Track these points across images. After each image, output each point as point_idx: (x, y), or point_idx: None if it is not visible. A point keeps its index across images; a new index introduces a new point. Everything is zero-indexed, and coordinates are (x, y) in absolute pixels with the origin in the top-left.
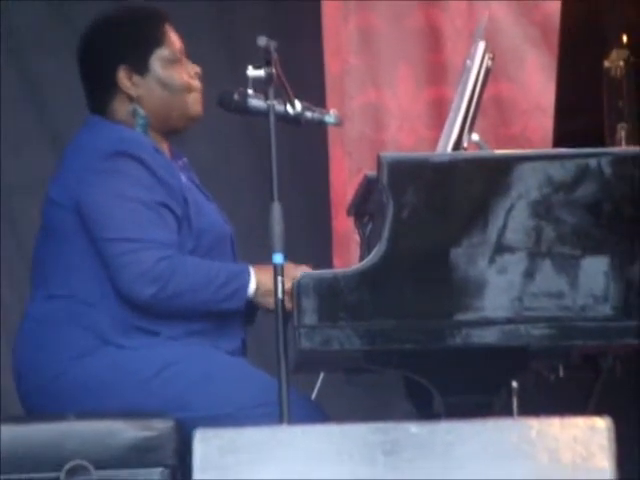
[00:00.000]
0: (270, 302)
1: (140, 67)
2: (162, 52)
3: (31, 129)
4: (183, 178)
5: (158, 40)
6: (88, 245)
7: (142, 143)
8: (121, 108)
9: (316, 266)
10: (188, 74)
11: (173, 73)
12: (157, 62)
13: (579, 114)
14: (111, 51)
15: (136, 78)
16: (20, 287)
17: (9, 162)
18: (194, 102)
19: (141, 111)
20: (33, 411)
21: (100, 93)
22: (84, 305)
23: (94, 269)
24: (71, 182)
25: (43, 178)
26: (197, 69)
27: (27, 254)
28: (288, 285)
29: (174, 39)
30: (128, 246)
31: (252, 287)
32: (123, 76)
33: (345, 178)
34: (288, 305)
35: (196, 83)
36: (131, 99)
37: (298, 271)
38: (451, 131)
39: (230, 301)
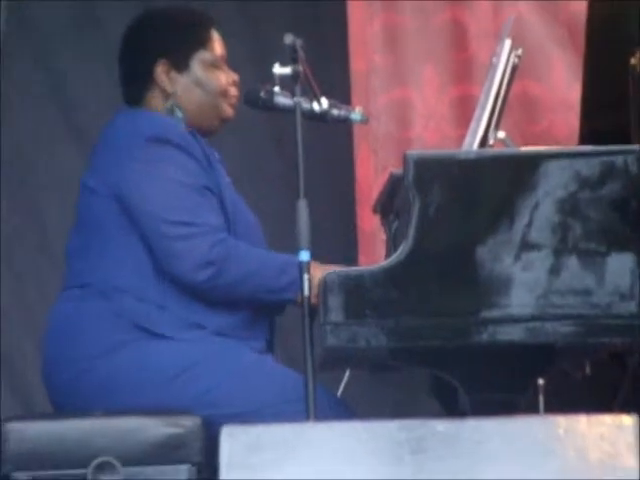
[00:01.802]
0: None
1: (180, 64)
2: (204, 55)
3: (58, 127)
4: (221, 170)
5: (203, 42)
6: (129, 234)
7: (178, 129)
8: (155, 102)
9: (343, 264)
10: (227, 80)
11: (211, 76)
12: (197, 63)
13: (605, 112)
14: (154, 43)
15: (174, 74)
16: (46, 285)
17: (37, 160)
18: (228, 107)
19: (179, 107)
20: (61, 408)
21: (136, 84)
22: (122, 293)
23: (136, 257)
24: (109, 170)
25: (70, 176)
26: (235, 77)
27: (55, 253)
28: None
29: (218, 45)
30: (183, 230)
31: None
32: (161, 70)
33: (371, 176)
34: (314, 301)
35: (232, 90)
36: (166, 94)
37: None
38: (477, 128)
39: (285, 292)
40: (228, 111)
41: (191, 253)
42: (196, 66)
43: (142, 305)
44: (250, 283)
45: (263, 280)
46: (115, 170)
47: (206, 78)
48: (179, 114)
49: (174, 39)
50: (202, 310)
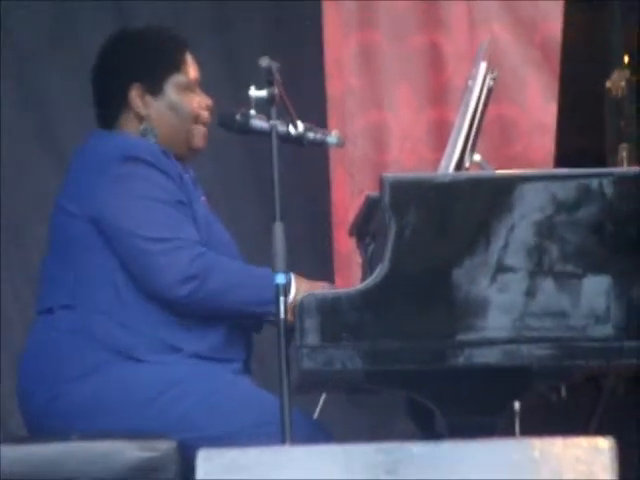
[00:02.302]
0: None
1: (154, 88)
2: (178, 78)
3: (35, 145)
4: (192, 189)
5: (177, 65)
6: (103, 254)
7: (149, 147)
8: (129, 125)
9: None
10: (199, 104)
11: (184, 100)
12: (171, 86)
13: (580, 134)
14: (128, 67)
15: (148, 98)
16: (24, 305)
17: (12, 178)
18: (198, 134)
19: (153, 130)
20: (36, 431)
21: (110, 108)
22: (99, 315)
23: (110, 279)
24: (83, 190)
25: (47, 194)
26: (209, 102)
27: (31, 271)
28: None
29: (192, 68)
30: (163, 246)
31: (291, 296)
32: (135, 94)
33: (347, 199)
34: (290, 318)
35: (205, 115)
36: (140, 118)
37: (315, 287)
38: (453, 151)
39: (268, 306)
40: (198, 140)
41: (172, 268)
42: (170, 90)
43: (118, 328)
44: (232, 296)
45: (246, 293)
46: (90, 191)
47: (179, 102)
48: (152, 138)
49: (148, 63)
50: (178, 333)
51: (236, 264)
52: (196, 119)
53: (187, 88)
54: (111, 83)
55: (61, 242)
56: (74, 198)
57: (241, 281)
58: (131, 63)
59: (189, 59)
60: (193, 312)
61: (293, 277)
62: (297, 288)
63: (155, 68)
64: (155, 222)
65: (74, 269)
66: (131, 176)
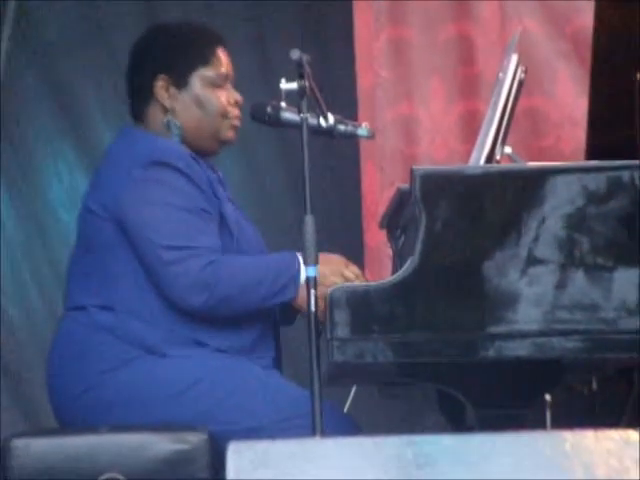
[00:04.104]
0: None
1: (179, 80)
2: (206, 72)
3: (65, 142)
4: (220, 190)
5: (205, 59)
6: (128, 255)
7: (178, 152)
8: (156, 118)
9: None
10: (227, 100)
11: (212, 95)
12: (198, 80)
13: (612, 126)
14: (154, 59)
15: (173, 90)
16: (52, 302)
17: (42, 175)
18: (227, 128)
19: (176, 123)
20: (66, 424)
21: (137, 100)
22: (124, 314)
23: (135, 279)
24: (109, 192)
25: (75, 191)
26: (238, 98)
27: (57, 266)
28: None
29: (222, 64)
30: (175, 255)
31: (303, 275)
32: (160, 85)
33: (377, 191)
34: (321, 304)
35: (233, 111)
36: (165, 110)
37: (345, 269)
38: (484, 144)
39: (283, 294)
40: (228, 134)
41: (182, 277)
42: (196, 84)
43: (144, 325)
44: (248, 295)
45: (261, 288)
46: (115, 193)
47: (205, 97)
48: (176, 130)
49: (174, 55)
50: (206, 329)
51: (247, 261)
52: (224, 115)
53: (215, 83)
54: (139, 75)
55: (88, 241)
56: (101, 199)
57: (253, 280)
58: (158, 55)
59: (220, 54)
60: (214, 317)
61: (299, 256)
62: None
63: (181, 60)
64: (171, 230)
65: (102, 267)
66: (156, 181)
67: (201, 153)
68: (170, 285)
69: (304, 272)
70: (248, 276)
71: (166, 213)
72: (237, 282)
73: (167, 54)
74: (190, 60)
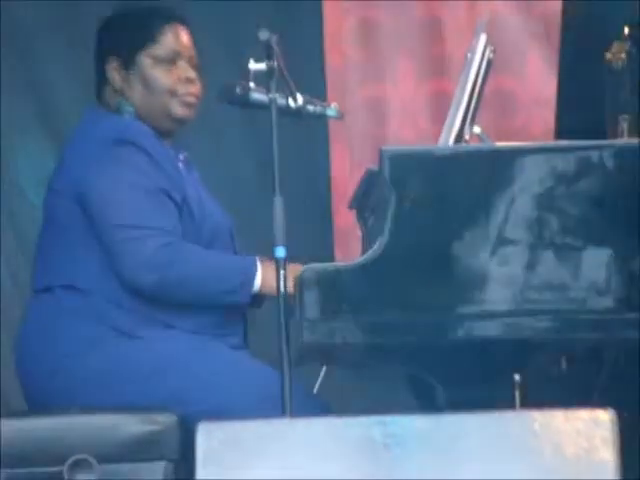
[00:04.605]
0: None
1: (128, 61)
2: (154, 50)
3: (33, 126)
4: (182, 168)
5: (152, 37)
6: (91, 234)
7: (142, 130)
8: (111, 100)
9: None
10: (178, 77)
11: (159, 74)
12: (147, 59)
13: (581, 107)
14: (105, 42)
15: (123, 72)
16: (21, 283)
17: (10, 159)
18: (177, 105)
19: (127, 104)
20: (36, 405)
21: (97, 82)
22: (90, 295)
23: (99, 258)
24: (72, 171)
25: (44, 176)
26: (191, 74)
27: (29, 253)
28: (291, 284)
29: (172, 40)
30: (129, 233)
31: (258, 282)
32: (111, 67)
33: (346, 172)
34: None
35: (184, 88)
36: (118, 92)
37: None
38: (453, 124)
39: (236, 294)
40: (179, 110)
41: (135, 256)
42: (145, 63)
43: (110, 306)
44: (196, 288)
45: (210, 284)
46: (77, 172)
47: (151, 75)
48: (127, 112)
49: (121, 37)
50: (171, 309)
51: (206, 254)
52: (172, 92)
53: (164, 61)
54: (95, 58)
55: (53, 222)
56: (64, 179)
57: (206, 272)
58: (108, 37)
59: (170, 32)
60: (160, 300)
61: (259, 265)
62: (263, 275)
63: (127, 41)
64: (129, 209)
65: (66, 247)
66: (117, 160)
67: (160, 133)
68: (121, 263)
69: (259, 280)
70: (202, 267)
71: (125, 192)
72: (190, 270)
73: (115, 36)
74: (136, 40)
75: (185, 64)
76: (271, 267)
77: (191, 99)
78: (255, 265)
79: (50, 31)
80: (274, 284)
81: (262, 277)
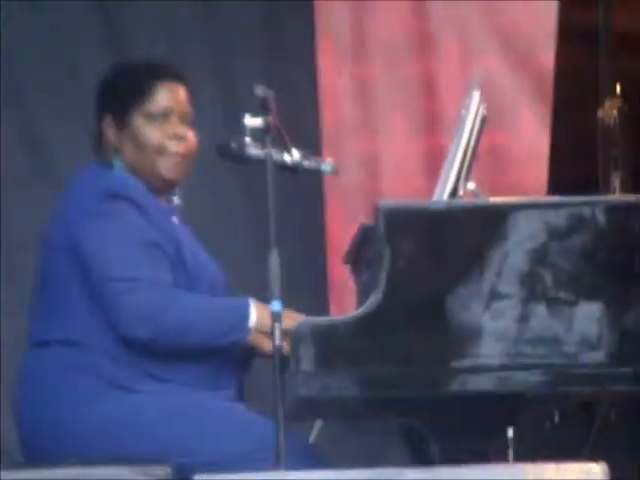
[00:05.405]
0: (266, 343)
1: (122, 119)
2: (146, 108)
3: (32, 176)
4: (175, 220)
5: (143, 95)
6: (84, 287)
7: (132, 184)
8: (106, 155)
9: (313, 314)
10: (166, 135)
11: (149, 131)
12: (139, 117)
13: (573, 163)
14: (101, 100)
15: (117, 129)
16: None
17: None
18: (164, 165)
19: (119, 161)
20: (31, 456)
21: (96, 139)
22: (88, 350)
23: (91, 312)
24: (65, 225)
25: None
26: (180, 131)
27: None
28: (289, 325)
29: (164, 97)
30: (120, 286)
31: (252, 320)
32: (107, 125)
33: (341, 227)
34: (287, 349)
35: (173, 145)
36: (113, 149)
37: (297, 317)
38: (447, 179)
39: (231, 335)
40: (168, 171)
41: (128, 309)
42: (137, 121)
43: (108, 361)
44: (193, 332)
45: (204, 327)
46: (68, 225)
47: (141, 133)
48: (118, 169)
49: (116, 95)
50: (165, 363)
51: (197, 299)
52: (159, 149)
53: (156, 118)
54: (94, 116)
55: (47, 275)
56: (56, 231)
57: (200, 315)
58: (103, 96)
59: (161, 89)
60: (157, 351)
61: (252, 302)
62: (257, 313)
63: (121, 100)
64: (119, 262)
65: (60, 301)
66: (108, 213)
67: (152, 189)
68: (117, 316)
69: (255, 317)
70: (194, 312)
71: (115, 246)
72: (182, 317)
73: (110, 95)
74: (129, 99)
75: (177, 120)
76: (264, 306)
77: (179, 159)
78: (248, 302)
79: (50, 85)
80: (268, 322)
81: (257, 314)
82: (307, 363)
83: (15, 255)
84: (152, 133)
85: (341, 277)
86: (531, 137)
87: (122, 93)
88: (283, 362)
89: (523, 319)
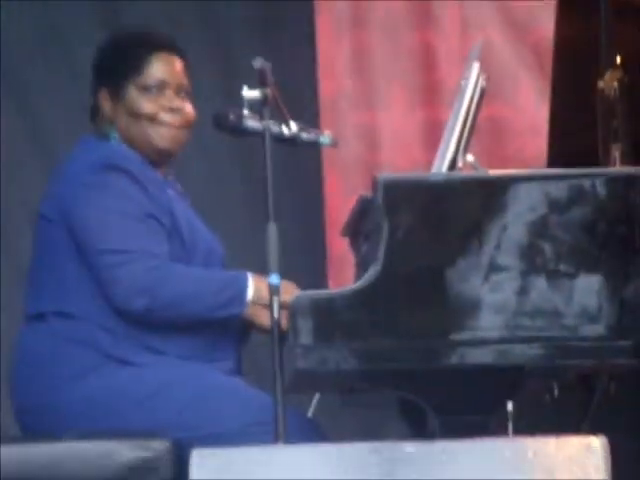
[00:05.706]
0: (264, 316)
1: (117, 92)
2: (141, 80)
3: (27, 151)
4: (171, 192)
5: (137, 68)
6: (80, 260)
7: (128, 155)
8: (102, 127)
9: (312, 287)
10: (161, 106)
11: (143, 102)
12: (134, 89)
13: (573, 135)
14: (97, 72)
15: (113, 101)
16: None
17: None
18: (157, 135)
19: (114, 133)
20: (28, 431)
21: (91, 111)
22: (83, 322)
23: (88, 284)
24: (60, 197)
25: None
26: (176, 104)
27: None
28: (286, 299)
29: (159, 69)
30: (116, 258)
31: (250, 293)
32: (103, 98)
33: (339, 199)
34: (284, 323)
35: (167, 117)
36: (109, 122)
37: (296, 289)
38: (446, 151)
39: (229, 308)
40: (159, 141)
41: (124, 281)
42: (132, 93)
43: (103, 333)
44: (189, 304)
45: (202, 300)
46: (64, 198)
47: (135, 104)
48: (114, 141)
49: (111, 68)
50: (162, 335)
51: (193, 271)
52: (152, 120)
53: (150, 90)
54: (90, 88)
55: (42, 248)
56: (52, 204)
57: (197, 287)
58: (99, 68)
59: (156, 61)
60: (152, 323)
61: (250, 275)
62: (255, 285)
63: (116, 72)
64: (115, 234)
65: (56, 273)
66: (104, 186)
67: (149, 161)
68: (112, 289)
69: (252, 290)
70: (192, 284)
71: (110, 218)
72: (179, 289)
73: (105, 67)
74: (123, 71)
75: (172, 93)
76: (262, 279)
77: (173, 130)
78: (246, 276)
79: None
80: (266, 295)
81: (255, 287)
82: (305, 336)
83: (11, 229)
84: (146, 104)
85: (340, 250)
86: (531, 109)
87: (117, 66)
88: (281, 335)
89: (523, 291)
